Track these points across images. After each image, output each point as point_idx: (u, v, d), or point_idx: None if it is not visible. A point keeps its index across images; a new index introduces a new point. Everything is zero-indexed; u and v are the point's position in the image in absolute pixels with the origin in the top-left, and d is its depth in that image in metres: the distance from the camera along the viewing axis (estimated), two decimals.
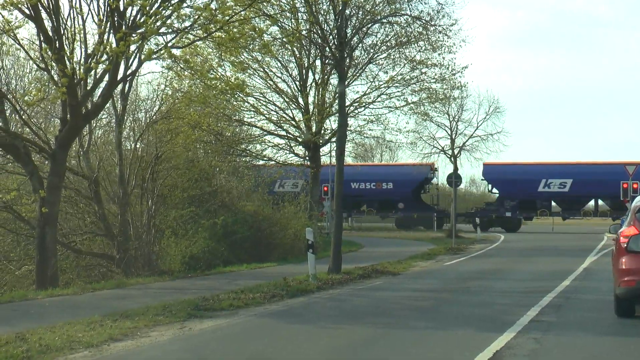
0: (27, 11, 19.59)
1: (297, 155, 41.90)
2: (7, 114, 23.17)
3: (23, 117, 24.00)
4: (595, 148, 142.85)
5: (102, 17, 20.32)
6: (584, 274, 24.14)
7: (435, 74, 39.48)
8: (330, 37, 24.62)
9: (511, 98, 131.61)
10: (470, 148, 48.47)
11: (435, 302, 17.37)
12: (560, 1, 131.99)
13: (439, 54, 37.83)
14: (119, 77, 21.70)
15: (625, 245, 13.35)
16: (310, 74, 39.60)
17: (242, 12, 21.32)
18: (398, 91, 40.21)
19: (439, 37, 35.65)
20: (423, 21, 31.33)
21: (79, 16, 20.84)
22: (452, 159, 47.51)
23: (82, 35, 20.80)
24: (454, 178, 43.32)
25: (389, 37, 35.39)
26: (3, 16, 20.03)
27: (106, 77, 20.97)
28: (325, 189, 45.84)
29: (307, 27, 28.73)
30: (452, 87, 41.23)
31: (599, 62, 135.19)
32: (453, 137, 47.19)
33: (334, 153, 37.64)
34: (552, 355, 10.90)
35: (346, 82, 26.51)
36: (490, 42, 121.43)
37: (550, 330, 12.66)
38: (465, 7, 64.39)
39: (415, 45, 36.57)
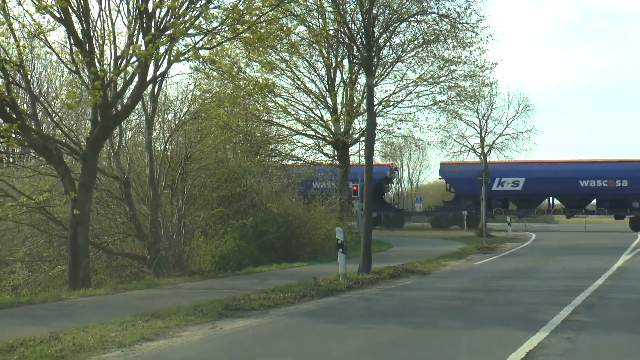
0: (57, 14, 19.74)
1: (325, 154, 41.86)
2: (39, 117, 23.33)
3: (55, 119, 24.18)
4: (628, 144, 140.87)
5: (131, 19, 20.45)
6: (618, 272, 23.95)
7: (464, 72, 39.35)
8: (358, 36, 24.57)
9: (541, 95, 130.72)
10: (500, 146, 48.25)
11: (466, 301, 17.30)
12: None
13: (468, 51, 37.66)
14: (148, 79, 21.78)
15: None
16: (338, 73, 39.58)
17: (270, 12, 21.35)
18: (427, 89, 40.12)
19: (467, 35, 35.44)
20: (451, 19, 31.16)
21: (109, 19, 20.97)
22: (482, 157, 47.25)
23: (111, 37, 20.92)
24: (484, 177, 43.09)
25: (417, 35, 35.21)
26: (35, 20, 20.21)
27: (136, 79, 21.07)
28: (355, 188, 45.74)
29: (335, 26, 28.68)
30: (481, 85, 40.99)
31: (628, 57, 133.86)
32: (483, 135, 46.95)
33: (362, 152, 37.47)
34: (585, 355, 10.81)
35: (374, 81, 26.45)
36: (519, 39, 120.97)
37: (584, 330, 12.56)
38: (492, 3, 64.15)
39: (444, 43, 36.34)
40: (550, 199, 61.60)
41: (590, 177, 57.95)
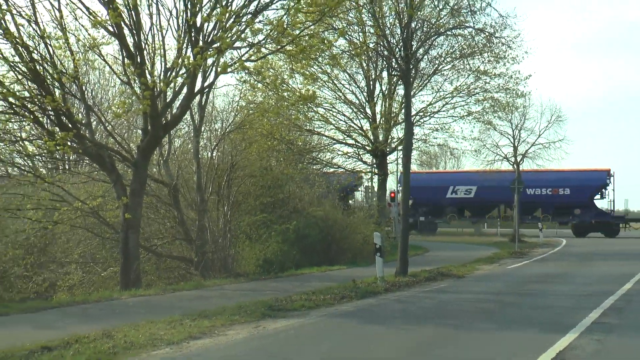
0: (111, 29, 19.99)
1: (365, 162, 41.92)
2: (93, 125, 23.61)
3: (107, 128, 24.45)
4: None
5: (180, 33, 20.63)
6: None
7: (499, 84, 39.23)
8: (397, 49, 24.57)
9: (573, 105, 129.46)
10: (533, 155, 47.81)
11: (498, 304, 17.22)
12: (617, 10, 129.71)
13: (503, 65, 37.55)
14: (196, 90, 21.94)
15: None
16: (377, 84, 39.65)
17: (312, 26, 21.45)
18: (462, 100, 40.06)
19: (502, 49, 35.36)
20: (487, 33, 31.14)
21: (159, 32, 21.23)
22: (515, 166, 46.98)
23: (161, 50, 21.15)
24: (517, 184, 42.95)
25: (454, 48, 35.24)
26: (89, 34, 20.51)
27: (184, 90, 21.26)
28: (392, 195, 45.69)
29: (374, 39, 28.74)
30: (515, 96, 40.81)
31: None
32: (516, 144, 46.65)
33: (400, 161, 37.50)
34: (614, 356, 10.75)
35: (412, 93, 26.45)
36: (552, 51, 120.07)
37: (613, 332, 12.49)
38: (527, 19, 63.89)
39: (479, 56, 36.30)
40: (502, 207, 61.85)
41: (536, 186, 58.48)
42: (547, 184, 58.96)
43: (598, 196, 58.89)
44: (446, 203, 60.98)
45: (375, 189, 40.97)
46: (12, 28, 18.99)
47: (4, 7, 18.78)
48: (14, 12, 19.04)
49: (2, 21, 18.80)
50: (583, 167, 59.02)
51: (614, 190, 56.66)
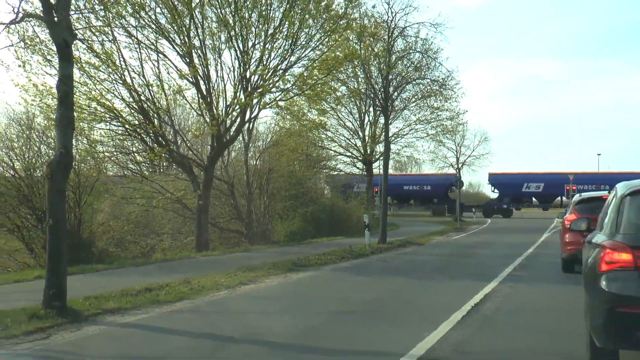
0: (191, 79, 20.13)
1: (358, 168, 41.95)
2: (179, 143, 23.76)
3: (188, 144, 24.59)
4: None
5: (236, 82, 20.74)
6: (542, 244, 23.59)
7: (447, 115, 39.32)
8: (379, 93, 24.60)
9: (496, 128, 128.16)
10: (469, 163, 47.72)
11: (447, 262, 17.23)
12: (522, 66, 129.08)
13: (449, 102, 37.67)
14: (246, 119, 22.07)
15: (569, 226, 13.15)
16: (366, 116, 39.66)
17: (323, 78, 21.53)
18: (422, 127, 40.09)
19: (448, 92, 35.44)
20: (439, 82, 31.24)
21: (222, 82, 21.32)
22: (457, 171, 46.87)
23: (223, 93, 21.25)
24: (458, 183, 43.15)
25: (417, 92, 35.27)
26: (177, 83, 20.64)
27: (238, 119, 21.37)
28: (376, 189, 45.59)
29: (364, 86, 28.79)
30: (457, 124, 40.92)
31: (540, 106, 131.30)
32: (458, 156, 46.47)
33: (381, 167, 37.56)
34: (521, 296, 10.76)
35: (389, 122, 26.52)
36: (482, 92, 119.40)
37: (521, 281, 12.49)
38: (466, 72, 64.11)
39: (434, 97, 36.46)
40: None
41: (409, 184, 58.77)
42: (417, 183, 59.11)
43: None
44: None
45: (365, 186, 40.81)
46: (128, 79, 19.17)
47: (123, 66, 18.97)
48: (130, 69, 19.25)
49: (122, 75, 18.97)
50: (440, 172, 57.54)
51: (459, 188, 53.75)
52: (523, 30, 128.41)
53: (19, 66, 17.30)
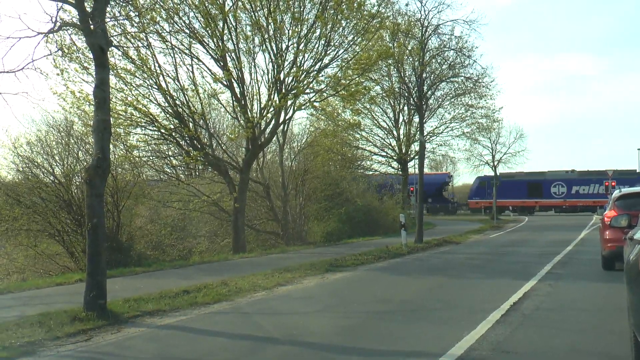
0: (225, 83, 20.31)
1: (393, 167, 41.82)
2: (214, 146, 23.97)
3: (223, 147, 24.79)
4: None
5: (270, 84, 20.85)
6: (581, 241, 23.15)
7: (482, 113, 38.96)
8: (413, 92, 24.50)
9: (533, 125, 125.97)
10: (505, 160, 47.05)
11: (484, 261, 17.04)
12: (557, 61, 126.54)
13: (484, 100, 37.29)
14: (280, 121, 22.17)
15: (609, 222, 12.88)
16: (400, 115, 39.51)
17: (357, 78, 21.49)
18: (457, 125, 39.80)
19: (483, 90, 35.12)
20: (473, 80, 30.95)
21: (256, 84, 21.46)
22: (493, 168, 46.27)
23: (258, 96, 21.39)
24: (495, 180, 42.69)
25: (451, 90, 35.02)
26: (211, 86, 20.85)
27: (273, 121, 21.47)
28: (412, 189, 45.35)
29: (399, 85, 28.66)
30: (492, 121, 40.46)
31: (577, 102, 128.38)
32: (493, 154, 45.88)
33: (416, 166, 37.35)
34: (561, 294, 10.57)
35: (424, 120, 26.41)
36: (517, 89, 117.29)
37: (560, 279, 12.28)
38: (500, 68, 63.48)
39: (468, 95, 36.17)
40: None
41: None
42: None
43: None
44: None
45: (401, 185, 40.63)
46: (163, 84, 19.43)
47: (158, 71, 19.25)
48: (165, 74, 19.52)
49: (157, 80, 19.25)
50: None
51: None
52: (557, 25, 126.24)
53: (57, 74, 17.71)
